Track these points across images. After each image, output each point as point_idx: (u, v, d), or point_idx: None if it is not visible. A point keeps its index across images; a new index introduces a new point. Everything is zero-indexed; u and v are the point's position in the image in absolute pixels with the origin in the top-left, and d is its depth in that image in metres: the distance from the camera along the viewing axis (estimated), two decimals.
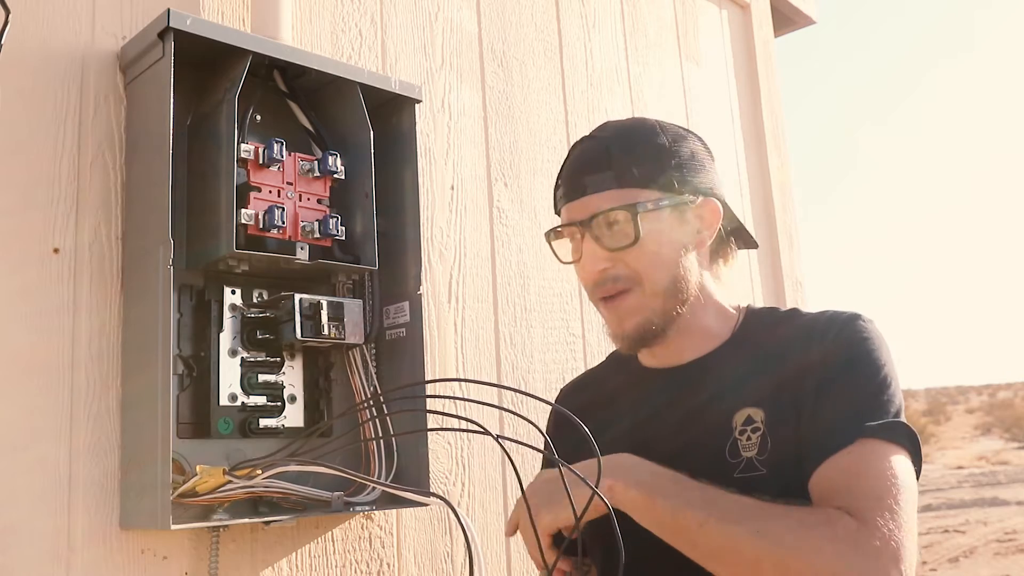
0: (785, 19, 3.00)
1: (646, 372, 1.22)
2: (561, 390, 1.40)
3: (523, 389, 1.32)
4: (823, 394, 1.04)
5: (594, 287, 1.15)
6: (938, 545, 9.82)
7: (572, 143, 1.22)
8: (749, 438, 1.07)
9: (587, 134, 1.19)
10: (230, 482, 1.13)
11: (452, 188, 1.70)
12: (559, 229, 1.17)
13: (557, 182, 1.19)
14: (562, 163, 1.20)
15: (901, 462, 0.98)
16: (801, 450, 1.03)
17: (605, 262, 1.12)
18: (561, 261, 1.19)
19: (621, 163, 1.11)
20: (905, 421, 1.03)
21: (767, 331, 1.16)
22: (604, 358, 1.37)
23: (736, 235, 1.23)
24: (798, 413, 1.05)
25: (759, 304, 1.28)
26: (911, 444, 1.01)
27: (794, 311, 1.20)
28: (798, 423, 1.05)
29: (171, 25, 1.16)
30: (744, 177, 2.55)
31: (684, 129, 1.18)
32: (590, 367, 1.42)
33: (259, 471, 1.14)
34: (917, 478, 1.01)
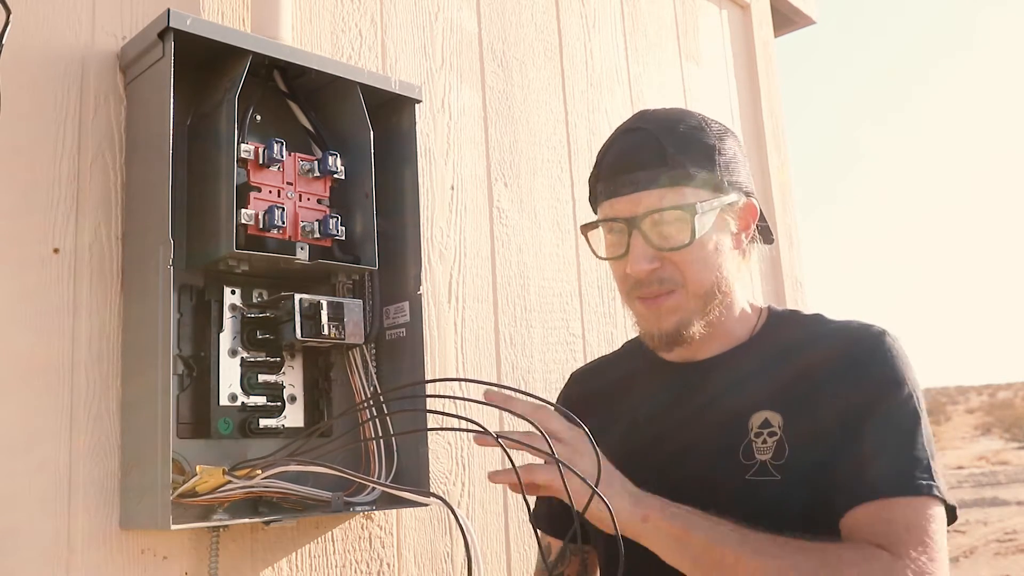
0: (785, 19, 3.00)
1: (664, 365, 1.21)
2: (572, 374, 1.39)
3: (523, 389, 1.32)
4: (860, 433, 1.03)
5: (635, 286, 1.11)
6: None
7: (615, 132, 1.17)
8: (765, 441, 1.06)
9: (628, 125, 1.15)
10: (230, 482, 1.13)
11: (452, 188, 1.70)
12: (601, 223, 1.13)
13: (597, 172, 1.15)
14: (601, 153, 1.16)
15: (938, 513, 1.00)
16: (830, 476, 1.02)
17: (654, 262, 1.09)
18: (597, 256, 1.16)
19: (676, 160, 1.08)
20: (938, 471, 1.02)
21: (790, 337, 1.15)
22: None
23: (761, 232, 1.21)
24: (823, 435, 1.04)
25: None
26: (943, 495, 1.01)
27: (818, 317, 1.18)
28: (825, 445, 1.04)
29: (171, 25, 1.16)
30: None
31: (723, 125, 1.16)
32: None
33: (259, 471, 1.14)
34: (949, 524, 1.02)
